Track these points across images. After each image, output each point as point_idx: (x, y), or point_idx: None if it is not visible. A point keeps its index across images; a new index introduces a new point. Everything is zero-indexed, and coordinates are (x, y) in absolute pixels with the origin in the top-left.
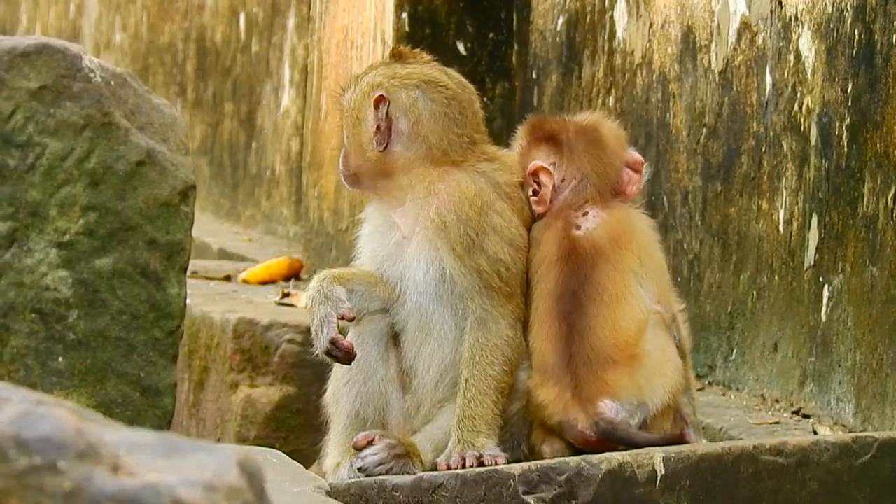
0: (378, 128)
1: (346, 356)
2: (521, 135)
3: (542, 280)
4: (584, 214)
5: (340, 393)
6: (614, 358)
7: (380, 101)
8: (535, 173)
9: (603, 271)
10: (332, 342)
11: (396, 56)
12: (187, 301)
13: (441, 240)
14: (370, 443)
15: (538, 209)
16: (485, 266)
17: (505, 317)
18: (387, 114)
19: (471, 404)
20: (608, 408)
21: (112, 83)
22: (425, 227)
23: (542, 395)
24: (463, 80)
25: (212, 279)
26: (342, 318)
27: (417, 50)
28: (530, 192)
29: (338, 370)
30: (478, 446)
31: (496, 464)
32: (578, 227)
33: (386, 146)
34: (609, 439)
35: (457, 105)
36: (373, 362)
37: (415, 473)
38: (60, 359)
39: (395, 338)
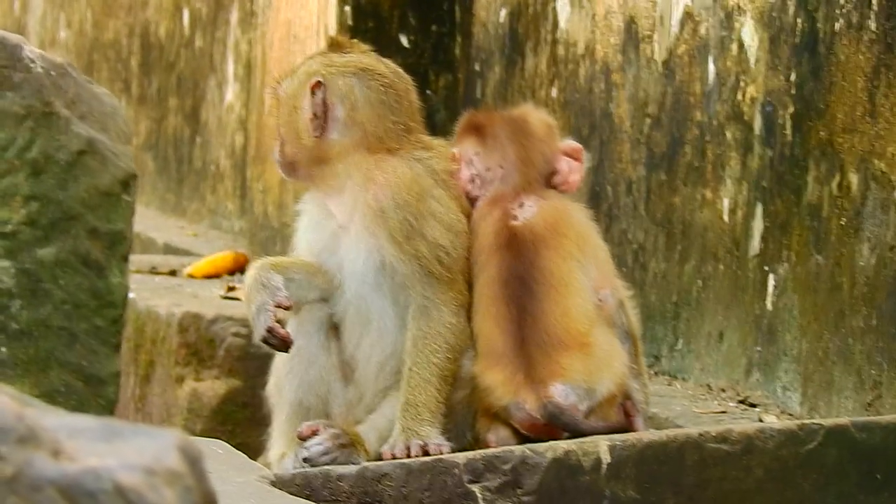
0: (314, 114)
1: (283, 344)
2: (457, 128)
3: (484, 268)
4: (521, 205)
5: (283, 382)
6: (566, 343)
7: (316, 87)
8: (455, 162)
9: (546, 258)
10: (269, 330)
11: (334, 45)
12: (133, 295)
13: (379, 227)
14: (314, 433)
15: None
16: (424, 252)
17: (447, 304)
18: (323, 101)
19: (414, 392)
20: (559, 391)
21: (53, 73)
22: (363, 215)
23: (490, 378)
24: (399, 69)
25: (157, 274)
26: (279, 307)
27: (355, 40)
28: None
29: (279, 360)
30: (422, 435)
31: (441, 453)
32: (515, 218)
33: (322, 133)
34: (555, 424)
35: (393, 93)
36: (314, 350)
37: (360, 463)
38: (3, 348)
39: (335, 327)
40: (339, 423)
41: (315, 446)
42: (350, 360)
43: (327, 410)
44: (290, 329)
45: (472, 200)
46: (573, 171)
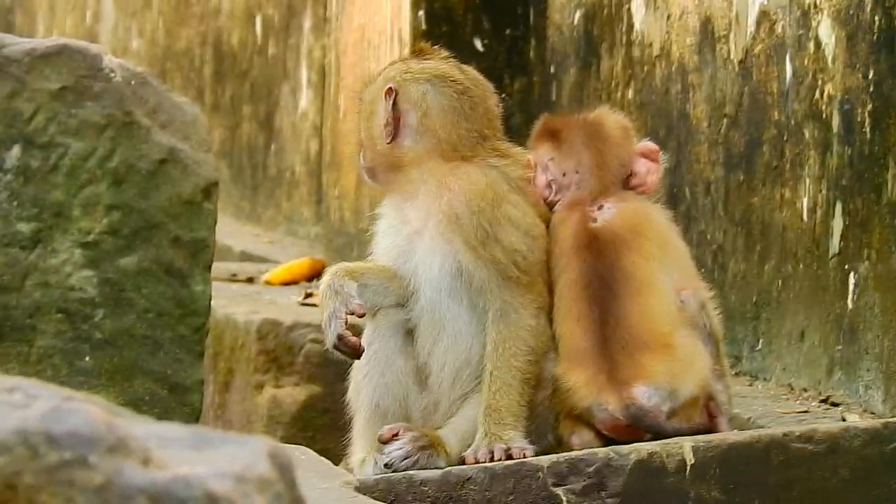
0: (387, 121)
1: (354, 352)
2: (533, 133)
3: (564, 271)
4: (599, 208)
5: (360, 387)
6: (649, 344)
7: (388, 93)
8: (528, 167)
9: (627, 258)
10: (340, 338)
11: (416, 52)
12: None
13: (454, 233)
14: (395, 436)
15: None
16: (501, 257)
17: (526, 306)
18: (395, 106)
19: (496, 396)
20: (641, 393)
21: (132, 82)
22: (437, 221)
23: (573, 379)
24: (479, 76)
25: (235, 281)
26: (351, 314)
27: (436, 47)
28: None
29: (357, 365)
30: (505, 439)
31: (524, 456)
32: (595, 220)
33: (393, 139)
34: (638, 425)
35: (467, 100)
36: (390, 354)
37: (441, 466)
38: (87, 358)
39: (411, 332)
40: (418, 425)
41: (395, 451)
42: (423, 367)
43: (406, 414)
44: (367, 333)
45: (551, 206)
46: (650, 172)
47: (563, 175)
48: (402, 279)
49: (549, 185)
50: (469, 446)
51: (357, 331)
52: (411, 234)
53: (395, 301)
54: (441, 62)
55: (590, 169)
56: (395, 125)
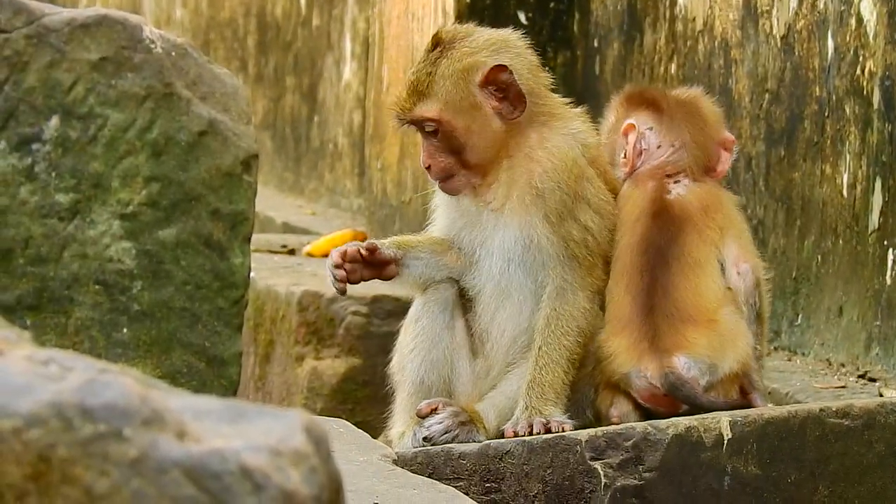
0: (503, 98)
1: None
2: (618, 102)
3: (627, 234)
4: (676, 182)
5: (405, 361)
6: (694, 317)
7: (496, 71)
8: (625, 133)
9: (689, 236)
10: (336, 266)
11: (441, 42)
12: (252, 274)
13: (536, 206)
14: (434, 411)
15: (622, 171)
16: (575, 235)
17: (584, 289)
18: (504, 84)
19: (542, 372)
20: (681, 363)
21: (173, 53)
22: (521, 192)
23: (615, 344)
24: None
25: (276, 253)
26: (369, 252)
27: (453, 28)
28: (622, 155)
29: (404, 339)
30: (545, 414)
31: (563, 430)
32: (669, 192)
33: (513, 114)
34: (675, 395)
35: (531, 52)
36: (438, 330)
37: (479, 440)
38: (125, 330)
39: (462, 305)
40: (459, 400)
41: (435, 425)
42: (482, 334)
43: (449, 390)
44: (415, 308)
45: (629, 172)
46: (723, 160)
47: (659, 147)
48: (458, 251)
49: (640, 153)
50: (507, 422)
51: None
52: (482, 205)
53: (447, 274)
54: (485, 31)
55: (688, 145)
56: (512, 101)
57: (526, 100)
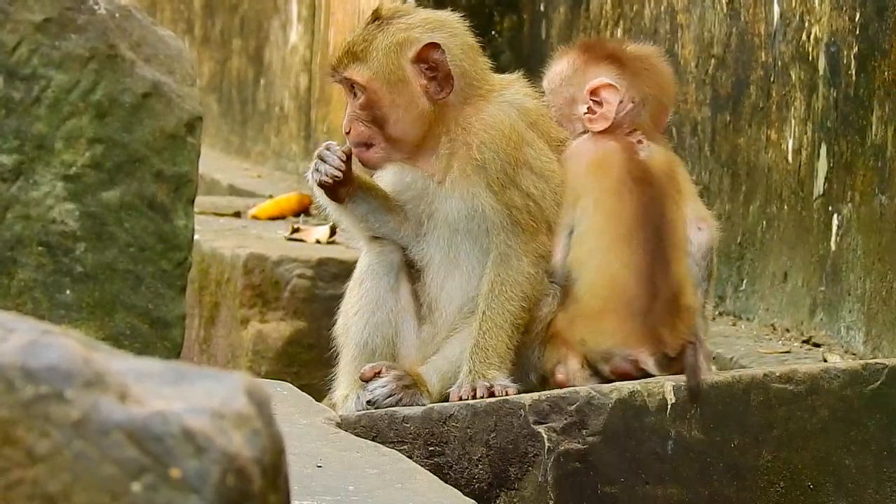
0: (431, 78)
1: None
2: (574, 53)
3: (609, 199)
4: (639, 142)
5: (350, 323)
6: (689, 304)
7: (426, 50)
8: (595, 90)
9: (671, 208)
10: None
11: (380, 17)
12: (197, 237)
13: (479, 177)
14: (377, 374)
15: (596, 127)
16: (517, 202)
17: (528, 254)
18: (432, 64)
19: (485, 336)
20: (695, 354)
21: (117, 15)
22: (463, 165)
23: (606, 321)
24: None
25: (222, 215)
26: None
27: (394, 5)
28: (584, 111)
29: (347, 301)
30: (489, 377)
31: (507, 394)
32: (639, 154)
33: (439, 93)
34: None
35: (471, 34)
36: (382, 293)
37: (423, 404)
38: (68, 291)
39: (407, 270)
40: (403, 364)
41: (378, 388)
42: (431, 303)
43: (393, 353)
44: (358, 270)
45: (600, 129)
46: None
47: (621, 102)
48: (405, 218)
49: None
50: (449, 387)
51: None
52: (427, 176)
53: (386, 233)
54: (421, 11)
55: (648, 101)
56: (442, 80)
57: (453, 81)
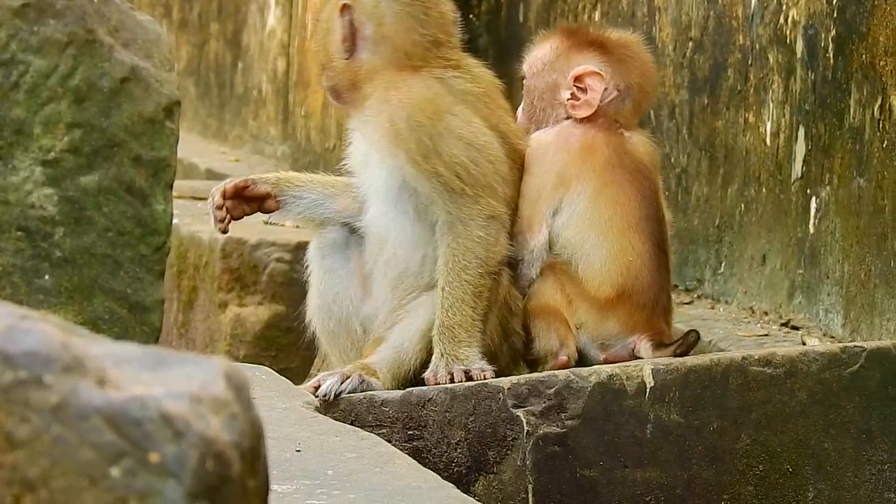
0: (344, 36)
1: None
2: (557, 38)
3: (606, 186)
4: (620, 131)
5: (311, 312)
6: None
7: (344, 8)
8: (580, 77)
9: (661, 198)
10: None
11: None
12: (176, 221)
13: (397, 147)
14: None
15: (580, 114)
16: (442, 170)
17: (473, 218)
18: (351, 21)
19: (449, 313)
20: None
21: (95, 0)
22: (382, 136)
23: (620, 311)
24: None
25: (200, 199)
26: (244, 187)
27: None
28: (567, 97)
29: (311, 283)
30: (462, 359)
31: (484, 378)
32: (627, 143)
33: (351, 54)
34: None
35: (420, 5)
36: (326, 271)
37: (375, 388)
38: (47, 276)
39: (356, 246)
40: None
41: (328, 378)
42: (369, 276)
43: (348, 327)
44: (311, 250)
45: (585, 115)
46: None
47: (605, 90)
48: (351, 194)
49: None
50: (401, 376)
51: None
52: (367, 148)
53: (333, 216)
54: None
55: (632, 90)
56: (352, 40)
57: (356, 44)
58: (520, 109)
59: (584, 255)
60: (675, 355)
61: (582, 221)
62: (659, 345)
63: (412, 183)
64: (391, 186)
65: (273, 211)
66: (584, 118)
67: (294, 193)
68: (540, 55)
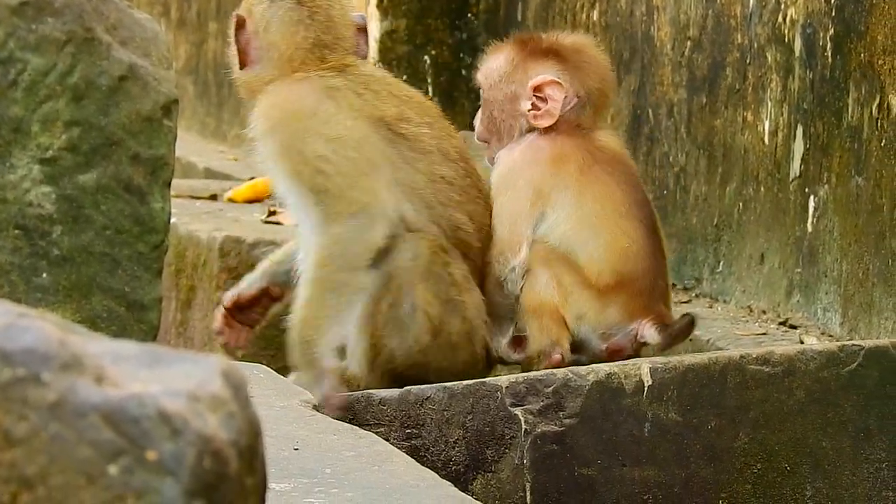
0: (240, 48)
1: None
2: (511, 48)
3: (588, 184)
4: (587, 133)
5: None
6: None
7: (239, 21)
8: (539, 87)
9: (641, 183)
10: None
11: None
12: (174, 220)
13: (268, 151)
14: None
15: (542, 123)
16: (304, 170)
17: (337, 215)
18: (246, 33)
19: (301, 311)
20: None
21: None
22: (260, 144)
23: (620, 298)
24: None
25: (198, 198)
26: (235, 306)
27: None
28: (528, 108)
29: None
30: (309, 361)
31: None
32: (595, 142)
33: (248, 65)
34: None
35: (305, 9)
36: None
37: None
38: (45, 275)
39: None
40: None
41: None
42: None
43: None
44: None
45: (545, 126)
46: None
47: (565, 97)
48: None
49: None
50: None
51: None
52: (261, 159)
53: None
54: None
55: (591, 96)
56: (248, 51)
57: (251, 55)
58: (476, 120)
59: (581, 247)
60: (672, 337)
61: (572, 221)
62: (663, 327)
63: (283, 183)
64: (282, 193)
65: (281, 297)
66: (546, 128)
67: (285, 268)
68: (495, 66)
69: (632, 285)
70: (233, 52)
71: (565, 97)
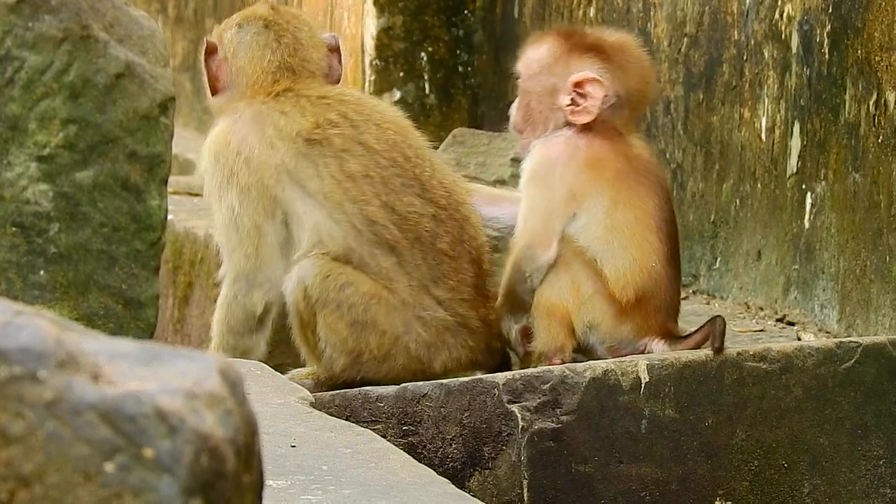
0: (210, 75)
1: None
2: (554, 40)
3: (623, 194)
4: (624, 139)
5: None
6: None
7: (209, 47)
8: (580, 84)
9: (671, 198)
10: None
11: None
12: (171, 217)
13: (206, 189)
14: None
15: (579, 120)
16: (218, 219)
17: (225, 276)
18: (216, 60)
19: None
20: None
21: None
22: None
23: (638, 315)
24: (295, 12)
25: (195, 195)
26: None
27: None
28: (567, 102)
29: None
30: None
31: None
32: (631, 150)
33: (215, 93)
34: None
35: (272, 33)
36: None
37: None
38: (42, 272)
39: None
40: None
41: None
42: None
43: None
44: None
45: (584, 122)
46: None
47: (605, 96)
48: None
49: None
50: None
51: None
52: None
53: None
54: (258, 7)
55: (631, 96)
56: (216, 77)
57: (215, 82)
58: (513, 108)
59: (608, 257)
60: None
61: (602, 227)
62: (674, 341)
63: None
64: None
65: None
66: (583, 125)
67: None
68: (536, 57)
69: (650, 303)
70: (204, 78)
71: (605, 96)
